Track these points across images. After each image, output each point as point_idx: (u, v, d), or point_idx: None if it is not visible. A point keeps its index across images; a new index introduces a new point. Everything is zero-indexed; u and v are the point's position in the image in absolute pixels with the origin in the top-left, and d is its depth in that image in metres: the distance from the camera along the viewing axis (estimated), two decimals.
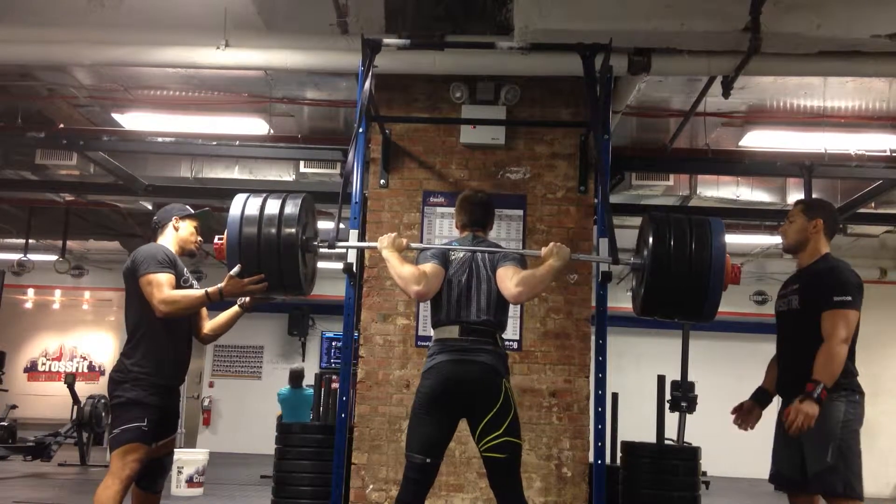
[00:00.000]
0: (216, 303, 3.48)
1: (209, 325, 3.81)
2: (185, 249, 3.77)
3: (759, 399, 3.68)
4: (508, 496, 3.19)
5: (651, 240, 3.37)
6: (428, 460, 3.15)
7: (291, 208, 3.41)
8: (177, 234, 3.74)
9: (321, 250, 3.65)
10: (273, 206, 3.40)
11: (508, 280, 3.21)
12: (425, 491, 3.21)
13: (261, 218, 3.35)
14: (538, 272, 3.23)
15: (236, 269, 3.35)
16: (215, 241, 3.49)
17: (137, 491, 3.63)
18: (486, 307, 3.28)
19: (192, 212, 3.82)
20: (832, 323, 3.27)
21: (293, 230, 3.36)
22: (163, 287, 3.43)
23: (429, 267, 3.28)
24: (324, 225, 8.86)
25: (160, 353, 3.53)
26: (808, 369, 3.26)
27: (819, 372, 3.23)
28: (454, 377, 3.17)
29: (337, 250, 3.64)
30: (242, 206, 3.41)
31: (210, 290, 3.44)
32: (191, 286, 3.68)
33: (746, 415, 3.67)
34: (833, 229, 3.59)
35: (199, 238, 3.84)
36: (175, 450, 4.06)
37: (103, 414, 9.76)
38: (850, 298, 3.28)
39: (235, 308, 3.76)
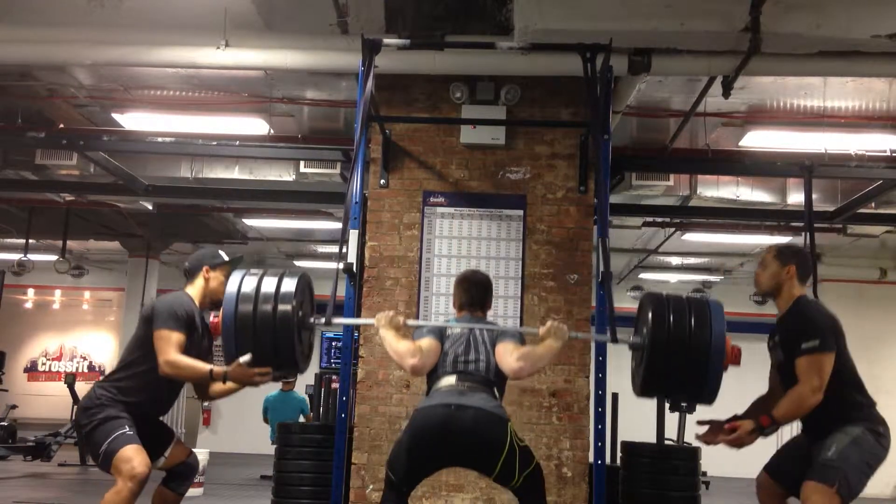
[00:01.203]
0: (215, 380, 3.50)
1: (214, 389, 3.76)
2: (214, 300, 3.73)
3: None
4: (533, 501, 3.20)
5: (650, 321, 3.31)
6: (404, 489, 3.16)
7: (288, 286, 3.36)
8: (206, 285, 3.74)
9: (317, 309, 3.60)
10: (269, 284, 3.35)
11: (509, 355, 3.19)
12: (405, 501, 3.20)
13: (257, 295, 3.31)
14: (538, 350, 3.23)
15: (247, 357, 3.31)
16: (212, 317, 3.48)
17: (162, 489, 3.64)
18: (484, 370, 3.24)
19: (224, 259, 3.81)
20: (804, 371, 3.29)
21: (289, 307, 3.31)
22: (172, 348, 3.44)
23: (425, 342, 3.28)
24: (324, 224, 8.94)
25: (150, 392, 3.56)
26: (817, 414, 3.29)
27: (780, 409, 3.28)
28: (446, 427, 3.04)
29: (333, 328, 3.61)
30: (239, 284, 3.35)
31: (216, 369, 3.44)
32: (202, 338, 3.68)
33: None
34: (806, 274, 3.62)
35: None
36: None
37: None
38: (817, 343, 3.28)
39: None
